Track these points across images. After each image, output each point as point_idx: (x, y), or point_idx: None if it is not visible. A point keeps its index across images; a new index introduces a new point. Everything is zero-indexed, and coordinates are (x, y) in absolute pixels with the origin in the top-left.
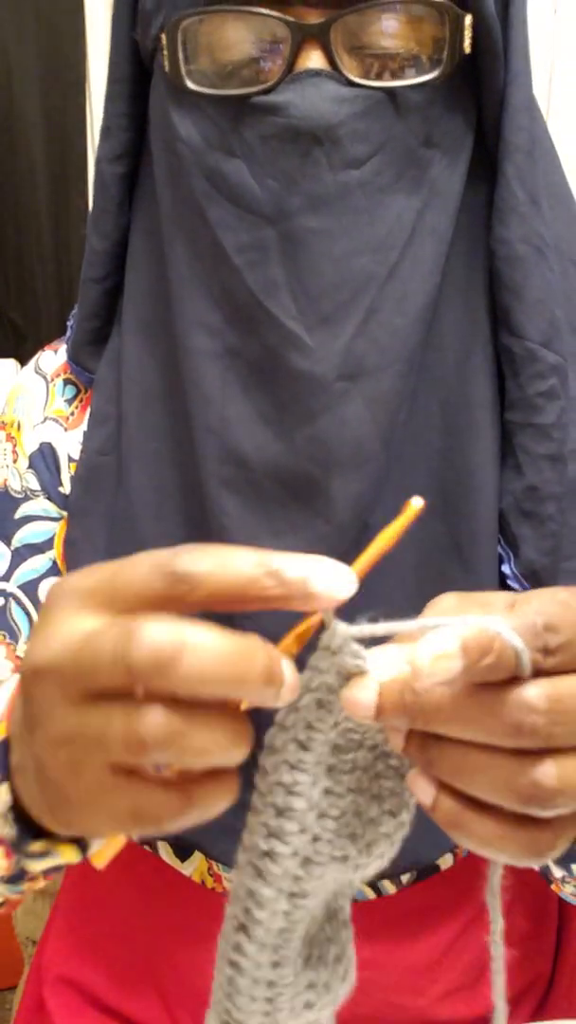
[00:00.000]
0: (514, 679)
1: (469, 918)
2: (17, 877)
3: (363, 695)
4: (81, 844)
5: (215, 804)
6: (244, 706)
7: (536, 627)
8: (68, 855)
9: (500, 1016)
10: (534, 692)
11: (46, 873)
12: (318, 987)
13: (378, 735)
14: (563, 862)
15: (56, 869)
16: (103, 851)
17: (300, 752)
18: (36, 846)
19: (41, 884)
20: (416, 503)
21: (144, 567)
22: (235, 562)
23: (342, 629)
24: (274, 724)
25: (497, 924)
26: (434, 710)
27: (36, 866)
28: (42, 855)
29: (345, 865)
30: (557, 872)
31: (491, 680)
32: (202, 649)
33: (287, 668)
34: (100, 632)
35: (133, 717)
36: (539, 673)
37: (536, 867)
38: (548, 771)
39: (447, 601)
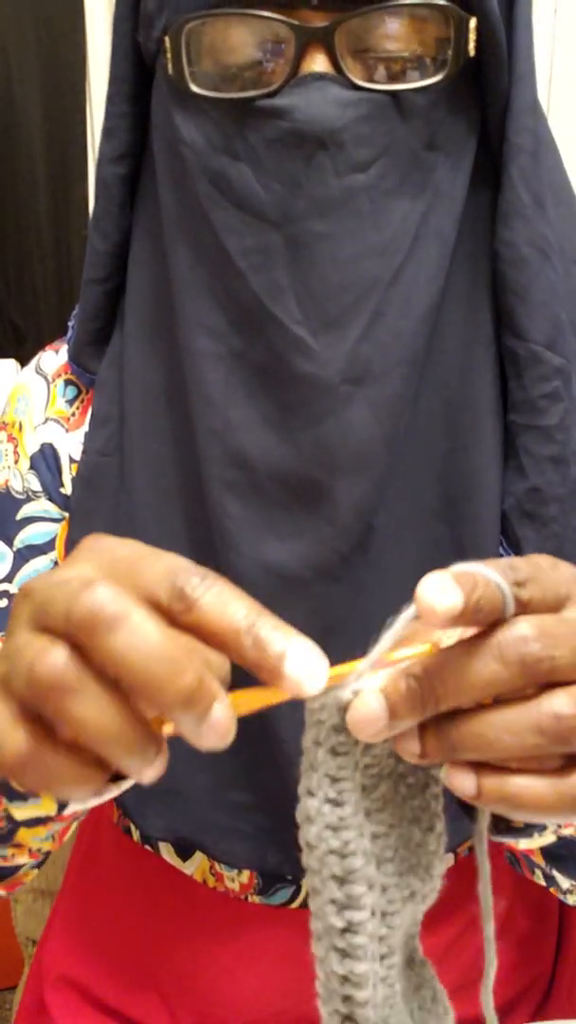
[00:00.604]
0: (492, 630)
1: (469, 918)
2: (5, 836)
3: (369, 707)
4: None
5: (94, 786)
6: (168, 728)
7: (504, 566)
8: (46, 800)
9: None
10: (523, 624)
11: (28, 825)
12: None
13: (388, 760)
14: (570, 872)
15: (37, 822)
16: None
17: (337, 810)
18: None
19: (26, 856)
20: (440, 642)
21: (161, 567)
22: (232, 608)
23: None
24: (299, 795)
25: (487, 903)
26: (442, 685)
27: (19, 812)
28: (25, 796)
29: (415, 901)
30: (565, 883)
31: (483, 620)
32: (139, 632)
33: (220, 709)
34: (78, 577)
35: (45, 650)
36: (518, 604)
37: (540, 841)
38: (562, 700)
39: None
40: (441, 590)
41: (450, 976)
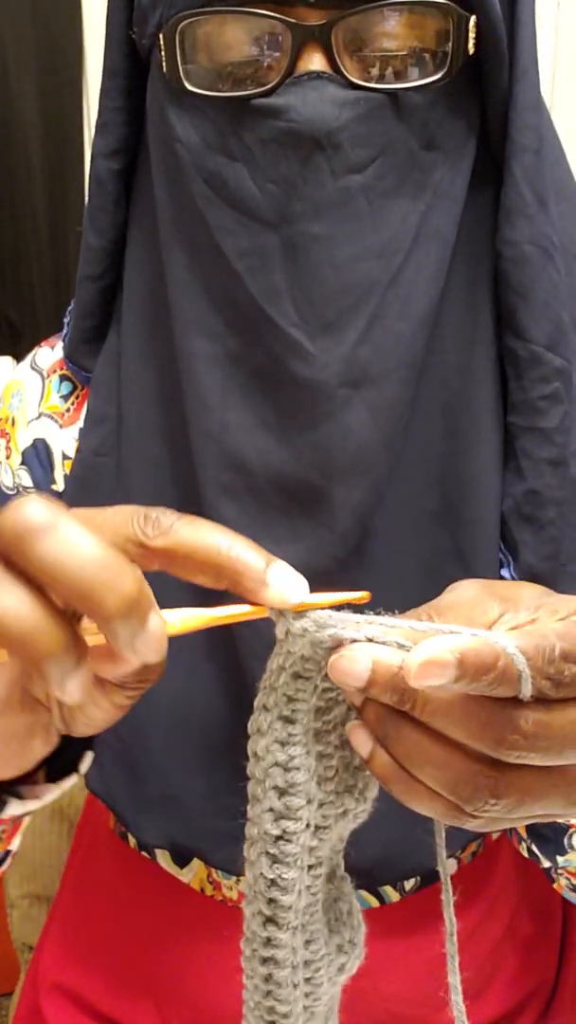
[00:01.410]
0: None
1: (473, 925)
2: None
3: (357, 665)
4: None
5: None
6: (91, 638)
7: (552, 653)
8: None
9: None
10: (528, 717)
11: None
12: (345, 946)
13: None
14: (549, 853)
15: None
16: None
17: (288, 727)
18: None
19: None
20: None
21: (126, 509)
22: (207, 529)
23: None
24: (255, 709)
25: (449, 907)
26: (424, 700)
27: None
28: None
29: (347, 819)
30: (545, 862)
31: (488, 695)
32: (75, 539)
33: (156, 620)
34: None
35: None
36: (540, 696)
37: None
38: (488, 785)
39: (468, 590)
40: (431, 663)
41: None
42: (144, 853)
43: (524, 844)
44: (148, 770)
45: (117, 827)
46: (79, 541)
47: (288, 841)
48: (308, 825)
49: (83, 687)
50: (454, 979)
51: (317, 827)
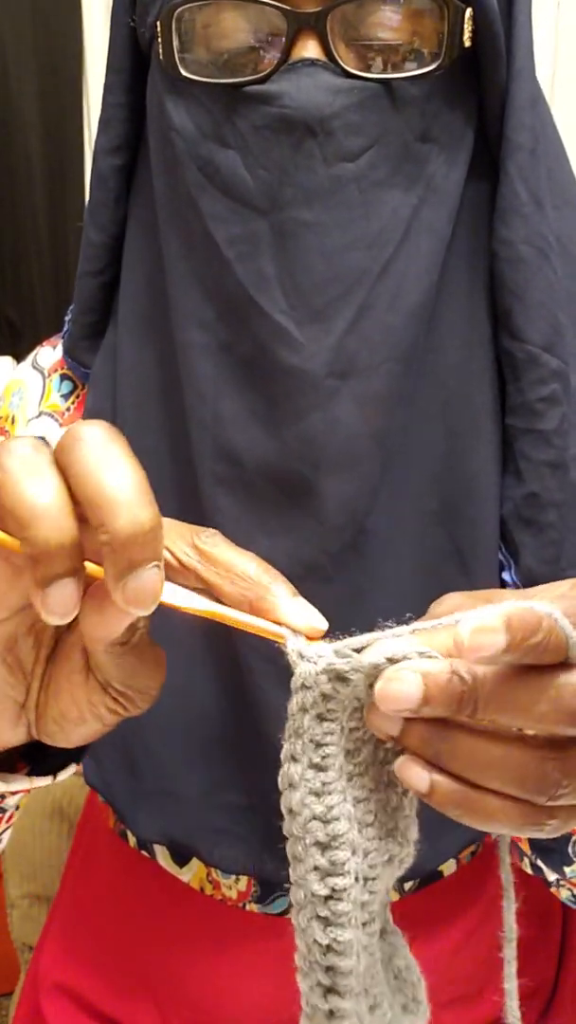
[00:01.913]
0: (561, 666)
1: (472, 926)
2: None
3: (405, 686)
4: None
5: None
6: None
7: None
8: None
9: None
10: None
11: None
12: (410, 1005)
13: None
14: (555, 864)
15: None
16: None
17: (320, 775)
18: None
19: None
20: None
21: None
22: (247, 553)
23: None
24: (282, 760)
25: (510, 915)
26: (487, 697)
27: None
28: None
29: (393, 866)
30: (551, 876)
31: (540, 662)
32: (116, 455)
33: (155, 572)
34: None
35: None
36: None
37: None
38: (556, 766)
39: (453, 599)
40: (482, 630)
41: (453, 985)
42: (144, 852)
43: (527, 860)
44: (145, 764)
45: (117, 826)
46: (123, 462)
47: (339, 900)
48: (357, 879)
49: (64, 601)
50: (511, 985)
51: (366, 879)
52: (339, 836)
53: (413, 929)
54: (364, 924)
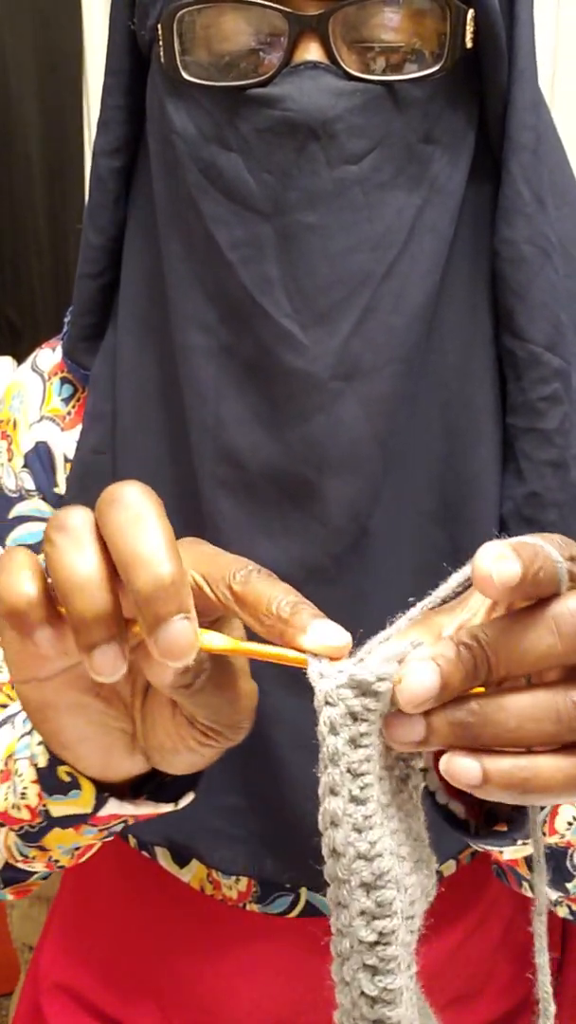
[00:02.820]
0: (551, 598)
1: (471, 926)
2: (35, 835)
3: (423, 678)
4: (100, 787)
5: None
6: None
7: (558, 541)
8: (87, 791)
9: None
10: None
11: (62, 824)
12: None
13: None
14: (556, 884)
15: (72, 820)
16: None
17: (361, 808)
18: (62, 770)
19: (43, 865)
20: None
21: (239, 559)
22: (279, 586)
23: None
24: (321, 795)
25: (542, 886)
26: (498, 650)
27: (57, 808)
28: (66, 788)
29: (424, 900)
30: (553, 895)
31: (539, 593)
32: (143, 514)
33: (182, 623)
34: None
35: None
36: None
37: (525, 851)
38: None
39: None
40: (499, 558)
41: (452, 985)
42: (144, 853)
43: (526, 883)
44: None
45: None
46: (146, 522)
47: (387, 944)
48: (402, 918)
49: (107, 663)
50: (542, 959)
51: (408, 918)
52: (385, 874)
53: None
54: (408, 965)
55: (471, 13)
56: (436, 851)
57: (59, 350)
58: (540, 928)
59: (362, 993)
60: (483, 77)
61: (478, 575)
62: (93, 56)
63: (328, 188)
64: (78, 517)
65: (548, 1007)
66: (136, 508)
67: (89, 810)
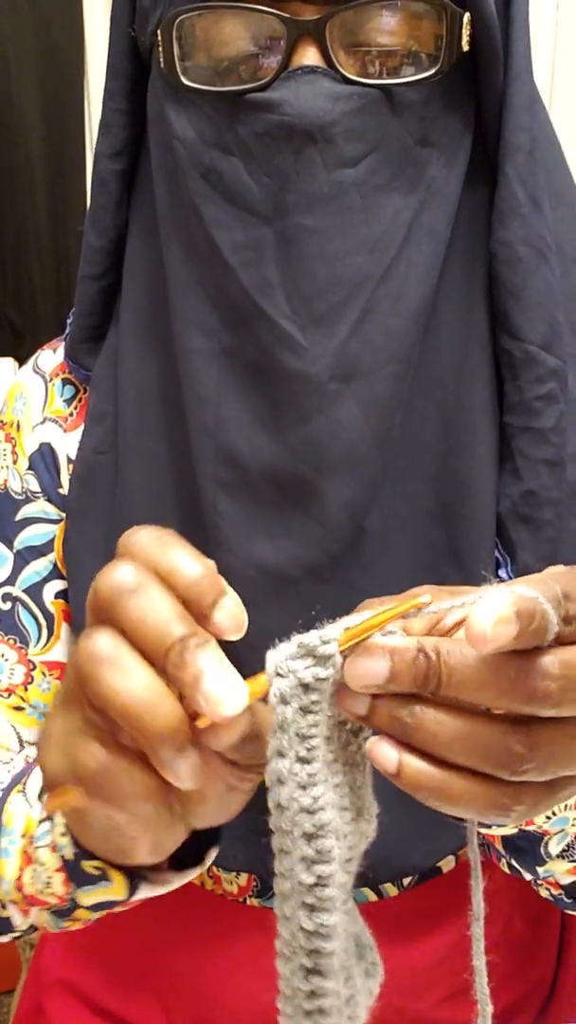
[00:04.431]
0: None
1: (467, 925)
2: (65, 911)
3: (373, 664)
4: (130, 875)
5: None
6: (202, 722)
7: (558, 595)
8: (118, 882)
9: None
10: (550, 660)
11: (93, 909)
12: (370, 969)
13: (335, 708)
14: (528, 865)
15: (104, 907)
16: (53, 799)
17: (306, 767)
18: (89, 864)
19: (80, 925)
20: (424, 599)
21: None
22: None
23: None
24: (268, 756)
25: (478, 892)
26: (449, 673)
27: (87, 898)
28: (95, 880)
29: (362, 843)
30: (526, 875)
31: (522, 648)
32: (154, 598)
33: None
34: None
35: (90, 631)
36: (556, 641)
37: (501, 830)
38: (521, 740)
39: (422, 590)
40: (500, 622)
41: (451, 979)
42: None
43: (504, 861)
44: None
45: None
46: (161, 602)
47: (325, 886)
48: (339, 864)
49: (192, 771)
50: (479, 962)
51: (346, 861)
52: (326, 825)
53: (413, 924)
54: (343, 903)
55: (467, 16)
56: (436, 849)
57: (61, 351)
58: (477, 931)
59: (300, 927)
60: (479, 79)
61: (473, 631)
62: (94, 57)
63: (326, 191)
64: (111, 641)
65: (486, 1007)
66: (145, 595)
67: (123, 897)
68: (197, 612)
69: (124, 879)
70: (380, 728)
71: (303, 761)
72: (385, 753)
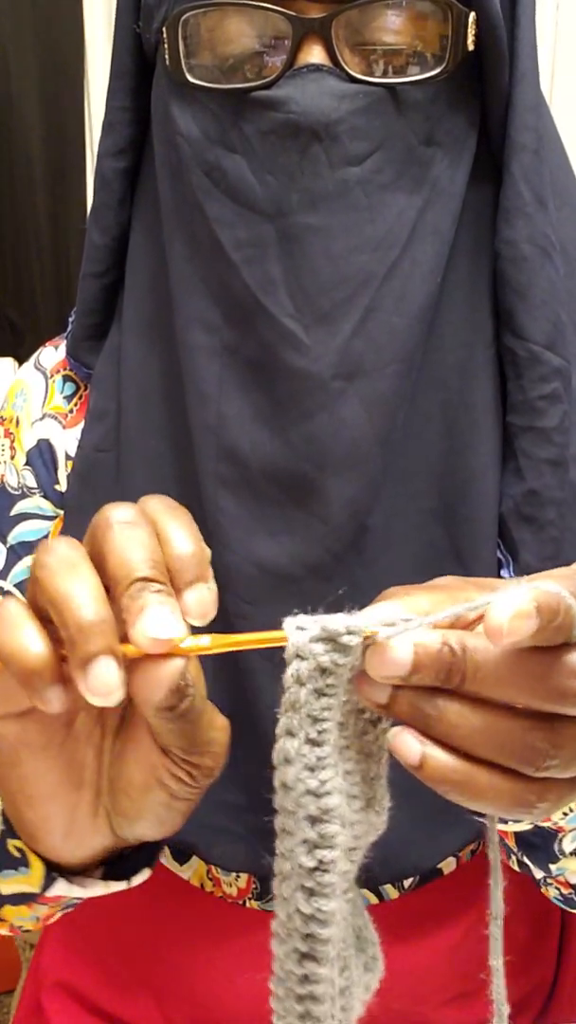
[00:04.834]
0: (561, 644)
1: (471, 923)
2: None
3: (397, 653)
4: (51, 868)
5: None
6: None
7: None
8: (36, 870)
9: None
10: (575, 657)
11: (12, 901)
12: (369, 963)
13: (352, 695)
14: (541, 862)
15: (20, 899)
16: None
17: (316, 750)
18: (12, 844)
19: (5, 928)
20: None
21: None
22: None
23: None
24: (278, 735)
25: (497, 892)
26: (475, 668)
27: (5, 886)
28: (15, 863)
29: (370, 835)
30: (537, 873)
31: (545, 644)
32: (142, 537)
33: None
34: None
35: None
36: None
37: (516, 826)
38: (545, 737)
39: (448, 579)
40: (518, 616)
41: (452, 982)
42: None
43: (514, 857)
44: None
45: None
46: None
47: (325, 871)
48: (343, 851)
49: (110, 678)
50: (496, 962)
51: (350, 849)
52: (331, 810)
53: (414, 926)
54: (344, 892)
55: (473, 15)
56: (436, 850)
57: (62, 348)
58: (496, 931)
59: (297, 910)
60: (484, 79)
61: (490, 624)
62: (95, 57)
63: (330, 189)
64: (64, 546)
65: (502, 1007)
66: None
67: (37, 889)
68: (174, 584)
69: (42, 868)
70: (400, 718)
71: (313, 743)
72: (408, 744)
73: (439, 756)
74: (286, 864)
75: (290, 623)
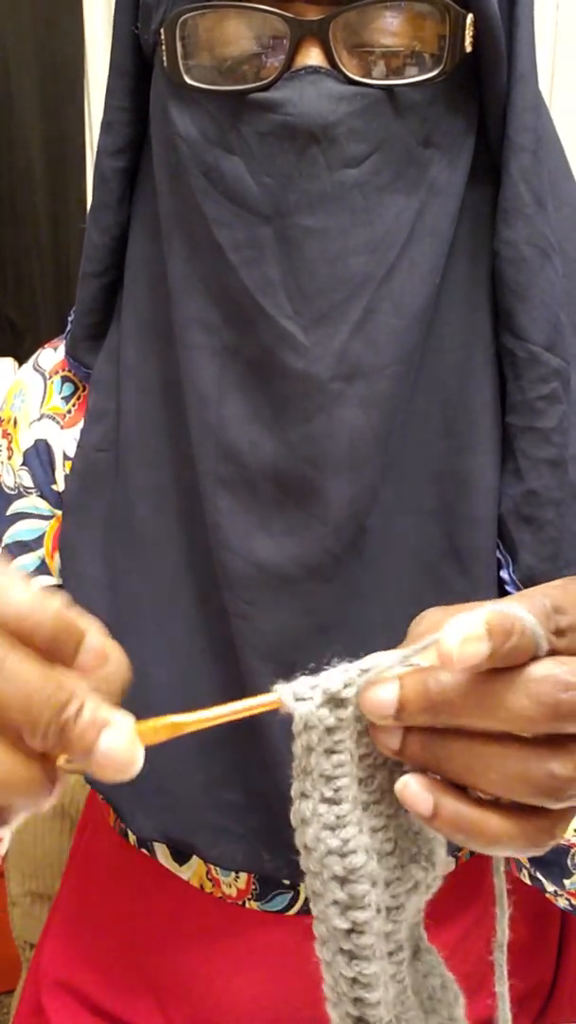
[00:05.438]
0: (525, 664)
1: (471, 923)
2: None
3: (383, 693)
4: None
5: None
6: (61, 761)
7: (546, 609)
8: None
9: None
10: (564, 669)
11: None
12: (445, 1023)
13: (373, 747)
14: (555, 877)
15: None
16: None
17: (334, 808)
18: None
19: None
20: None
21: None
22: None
23: (320, 680)
24: (292, 798)
25: (503, 920)
26: (461, 699)
27: None
28: None
29: (419, 892)
30: (549, 887)
31: (511, 664)
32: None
33: (112, 736)
34: None
35: None
36: (551, 651)
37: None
38: (561, 762)
39: (434, 615)
40: (467, 640)
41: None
42: (144, 850)
43: (526, 871)
44: (144, 763)
45: (117, 825)
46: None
47: (361, 933)
48: (379, 910)
49: (53, 801)
50: (502, 988)
51: (388, 909)
52: (357, 869)
53: None
54: (391, 954)
55: (470, 17)
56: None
57: (61, 349)
58: (500, 958)
59: (341, 974)
60: (483, 80)
61: (441, 650)
62: (94, 57)
63: (328, 191)
64: None
65: None
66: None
67: None
68: (59, 660)
69: None
70: (415, 762)
71: (330, 802)
72: (420, 796)
73: (453, 804)
74: (321, 927)
75: (288, 694)
